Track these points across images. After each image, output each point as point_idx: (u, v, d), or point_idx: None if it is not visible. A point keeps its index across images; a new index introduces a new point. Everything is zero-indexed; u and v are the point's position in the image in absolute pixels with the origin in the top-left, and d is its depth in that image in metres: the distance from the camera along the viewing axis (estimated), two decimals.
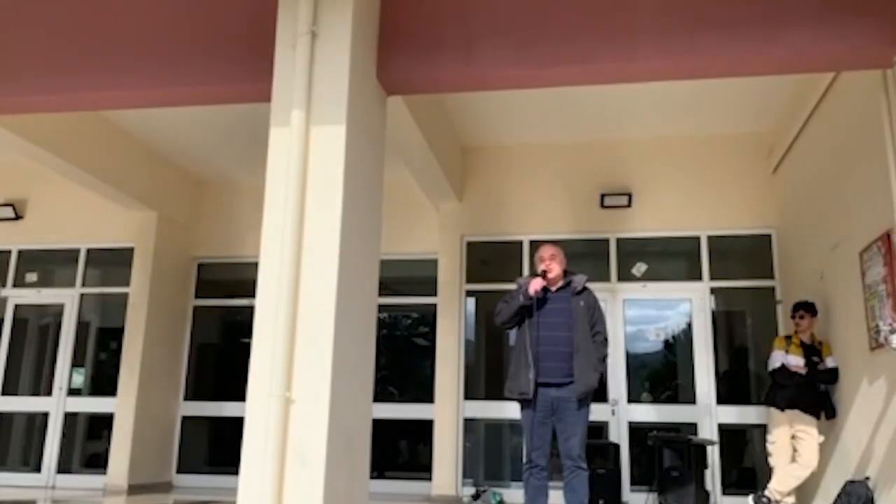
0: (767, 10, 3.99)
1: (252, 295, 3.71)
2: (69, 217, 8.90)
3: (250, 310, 3.73)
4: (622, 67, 4.18)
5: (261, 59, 4.14)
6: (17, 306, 8.93)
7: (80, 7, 4.65)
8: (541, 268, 4.84)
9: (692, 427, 7.38)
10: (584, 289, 4.84)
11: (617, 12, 4.12)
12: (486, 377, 8.12)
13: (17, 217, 8.98)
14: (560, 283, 4.85)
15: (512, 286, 4.90)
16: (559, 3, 4.19)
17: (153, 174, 8.43)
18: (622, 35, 4.09)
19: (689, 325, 7.73)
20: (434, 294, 8.09)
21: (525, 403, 4.68)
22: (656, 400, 7.76)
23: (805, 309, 5.99)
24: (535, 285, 4.72)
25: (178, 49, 4.46)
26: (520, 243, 8.06)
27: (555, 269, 4.82)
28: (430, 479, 7.64)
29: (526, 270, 7.86)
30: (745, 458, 7.52)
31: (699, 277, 7.74)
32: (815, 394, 5.85)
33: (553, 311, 4.75)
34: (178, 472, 8.63)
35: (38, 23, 4.68)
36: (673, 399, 7.72)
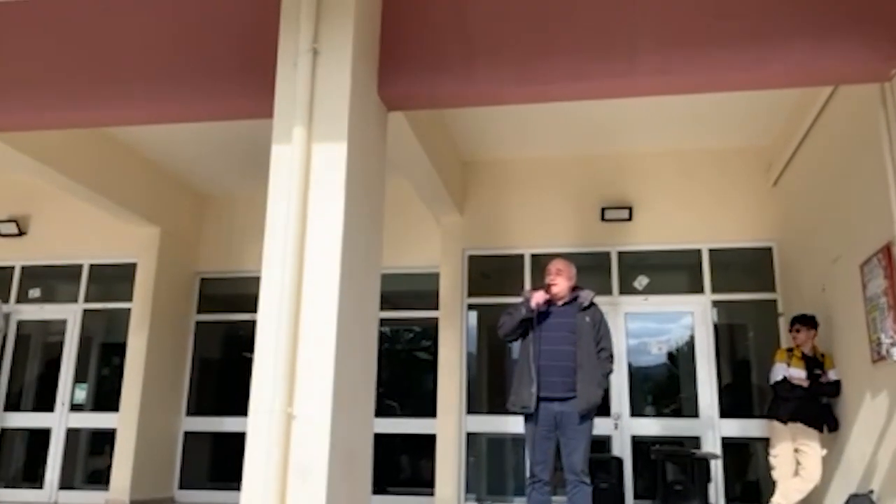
0: (765, 26, 4.02)
1: (254, 310, 3.72)
2: (72, 233, 8.92)
3: (252, 324, 3.74)
4: (621, 83, 4.20)
5: (263, 76, 4.18)
6: (20, 322, 8.95)
7: (81, 25, 4.69)
8: (546, 281, 4.86)
9: (695, 440, 7.36)
10: (591, 304, 4.85)
11: (616, 28, 4.15)
12: (488, 391, 8.11)
13: (21, 233, 9.01)
14: (566, 298, 4.86)
15: (513, 299, 4.91)
16: (558, 20, 4.22)
17: (156, 190, 8.46)
18: (621, 51, 4.12)
19: (692, 338, 7.72)
20: (436, 308, 8.10)
21: (528, 417, 4.69)
22: (659, 413, 7.74)
23: (802, 323, 5.98)
24: (537, 298, 4.74)
25: (181, 66, 4.50)
26: (521, 257, 8.07)
27: (559, 284, 4.83)
28: (432, 493, 7.61)
29: (527, 284, 7.86)
30: (748, 471, 7.49)
31: (701, 290, 7.74)
32: (817, 407, 5.84)
33: (557, 326, 4.76)
34: (181, 487, 8.60)
35: (38, 41, 4.73)
36: (676, 412, 7.70)
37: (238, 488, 3.51)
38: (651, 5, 4.17)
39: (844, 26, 3.96)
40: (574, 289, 4.91)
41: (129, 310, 8.42)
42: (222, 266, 9.06)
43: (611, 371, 4.82)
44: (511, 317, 4.85)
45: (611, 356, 4.81)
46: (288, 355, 3.55)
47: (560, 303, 4.86)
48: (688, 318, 7.80)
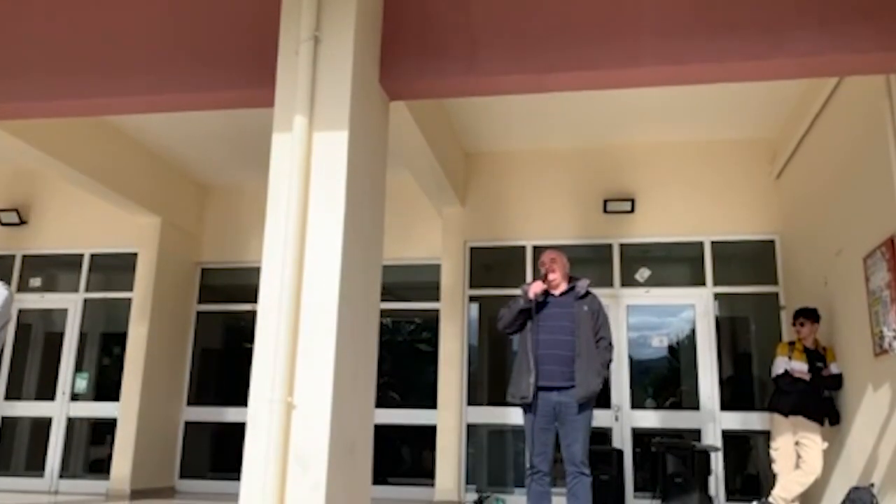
0: (770, 16, 3.99)
1: (255, 300, 3.71)
2: (73, 222, 8.92)
3: (253, 315, 3.73)
4: (625, 73, 4.17)
5: (264, 64, 4.15)
6: (20, 311, 8.95)
7: (82, 13, 4.66)
8: (542, 271, 4.86)
9: (696, 433, 7.35)
10: (588, 293, 4.85)
11: (620, 18, 4.12)
12: (489, 383, 8.11)
13: (22, 222, 9.01)
14: (563, 288, 4.86)
15: (515, 292, 4.91)
16: (562, 9, 4.19)
17: (157, 179, 8.45)
18: (625, 41, 4.09)
19: (693, 331, 7.71)
20: (437, 299, 8.09)
21: (526, 408, 4.69)
22: (660, 406, 7.74)
23: (805, 316, 5.96)
24: (535, 288, 4.74)
25: (181, 55, 4.47)
26: (523, 248, 8.06)
27: (556, 272, 4.83)
28: (432, 484, 7.62)
29: (529, 276, 7.85)
30: (748, 464, 7.49)
31: (703, 283, 7.73)
32: (818, 400, 5.83)
33: (555, 316, 4.76)
34: (181, 476, 8.63)
35: (40, 29, 4.70)
36: (676, 405, 7.70)
37: (238, 478, 3.50)
38: None
39: (850, 17, 3.92)
40: (570, 279, 4.92)
41: (129, 299, 8.43)
42: (223, 256, 9.06)
43: (610, 360, 4.81)
44: (509, 309, 4.86)
45: (610, 345, 4.80)
46: (288, 345, 3.54)
47: (557, 293, 4.86)
48: (689, 311, 7.78)
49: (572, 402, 4.58)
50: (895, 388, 4.89)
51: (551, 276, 4.83)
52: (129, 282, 8.53)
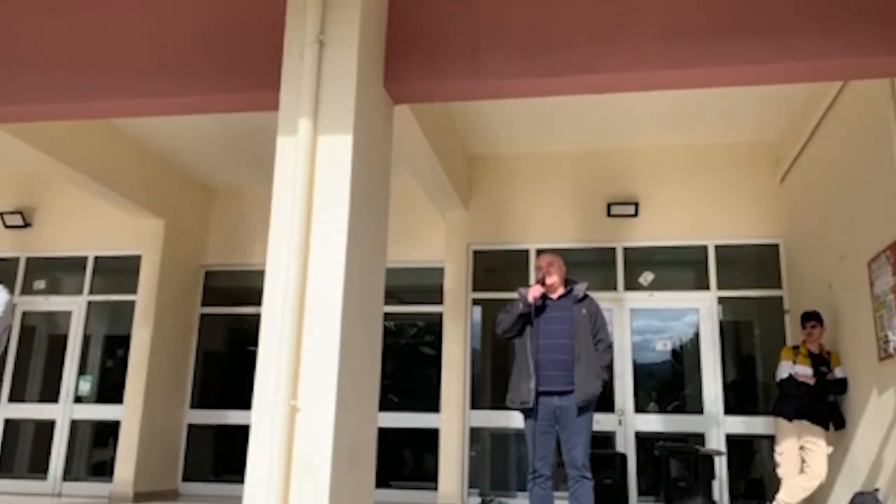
0: (774, 20, 3.98)
1: (258, 303, 3.71)
2: (77, 225, 8.94)
3: (257, 318, 3.73)
4: (629, 77, 4.17)
5: (269, 67, 4.15)
6: (24, 313, 8.97)
7: (88, 16, 4.68)
8: (539, 275, 4.86)
9: (699, 437, 7.34)
10: (586, 296, 4.84)
11: (624, 22, 4.12)
12: (492, 386, 8.10)
13: (26, 224, 9.02)
14: (561, 292, 4.86)
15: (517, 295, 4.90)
16: (566, 12, 4.19)
17: (161, 182, 8.46)
18: (629, 44, 4.09)
19: (697, 335, 7.69)
20: (440, 302, 8.09)
21: (527, 413, 4.67)
22: (663, 410, 7.72)
23: (817, 319, 5.96)
24: (534, 292, 4.73)
25: (186, 58, 4.48)
26: (526, 252, 8.05)
27: (553, 275, 4.83)
28: (435, 488, 7.61)
29: (532, 279, 7.83)
30: (752, 468, 7.47)
31: (706, 287, 7.71)
32: (823, 404, 5.82)
33: (554, 319, 4.75)
34: (184, 479, 8.62)
35: (45, 31, 4.71)
36: (680, 409, 7.68)
37: (241, 481, 3.50)
38: None
39: (854, 21, 3.92)
40: (567, 282, 4.91)
41: (133, 302, 8.44)
42: (227, 259, 9.06)
43: (609, 362, 4.80)
44: (508, 314, 4.84)
45: (609, 347, 4.79)
46: (292, 349, 3.54)
47: (555, 296, 4.85)
48: (693, 315, 7.77)
49: (572, 405, 4.57)
50: None
51: (549, 281, 4.82)
52: (132, 284, 8.54)
